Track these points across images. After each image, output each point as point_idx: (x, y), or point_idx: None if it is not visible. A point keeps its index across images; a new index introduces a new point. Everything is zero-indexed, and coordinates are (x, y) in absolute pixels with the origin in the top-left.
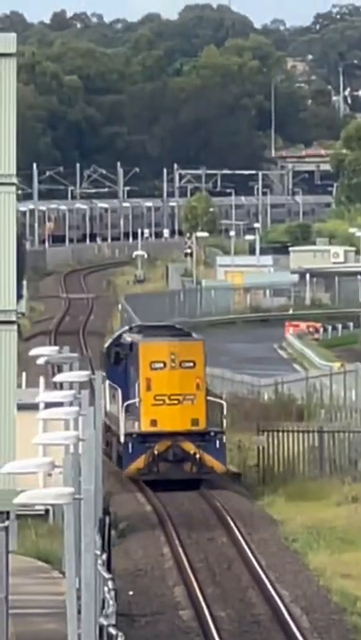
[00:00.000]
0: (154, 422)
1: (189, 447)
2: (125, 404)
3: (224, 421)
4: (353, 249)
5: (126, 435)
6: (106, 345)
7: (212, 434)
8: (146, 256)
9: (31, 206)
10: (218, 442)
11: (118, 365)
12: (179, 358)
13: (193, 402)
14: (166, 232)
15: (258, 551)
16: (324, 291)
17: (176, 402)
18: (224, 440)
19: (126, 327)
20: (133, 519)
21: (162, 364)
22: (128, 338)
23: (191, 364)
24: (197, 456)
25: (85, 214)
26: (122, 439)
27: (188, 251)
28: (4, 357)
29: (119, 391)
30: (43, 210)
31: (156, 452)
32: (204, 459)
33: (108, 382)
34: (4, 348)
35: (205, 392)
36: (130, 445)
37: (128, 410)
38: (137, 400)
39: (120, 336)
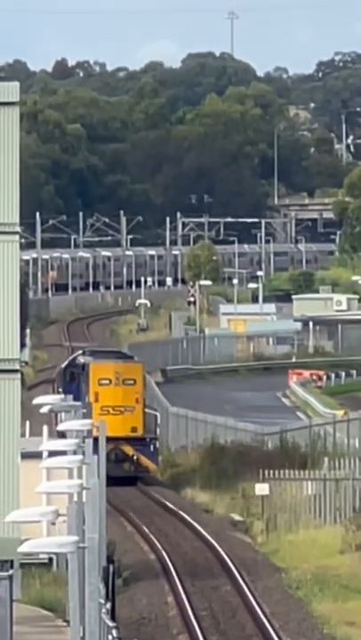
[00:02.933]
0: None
1: (129, 450)
2: (76, 412)
3: (157, 430)
4: (356, 297)
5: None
6: (63, 365)
7: (148, 439)
8: (149, 304)
9: (34, 255)
10: (152, 446)
11: (73, 382)
12: (122, 377)
13: (133, 412)
14: (169, 280)
15: (262, 599)
16: (328, 338)
17: (119, 412)
18: (157, 445)
19: (80, 352)
20: (137, 567)
21: (108, 381)
22: (81, 359)
23: (132, 382)
24: (135, 457)
25: (88, 263)
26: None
27: (192, 299)
28: (7, 406)
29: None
30: (46, 258)
31: None
32: (141, 460)
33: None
34: (7, 397)
35: (143, 405)
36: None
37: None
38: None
39: (75, 359)
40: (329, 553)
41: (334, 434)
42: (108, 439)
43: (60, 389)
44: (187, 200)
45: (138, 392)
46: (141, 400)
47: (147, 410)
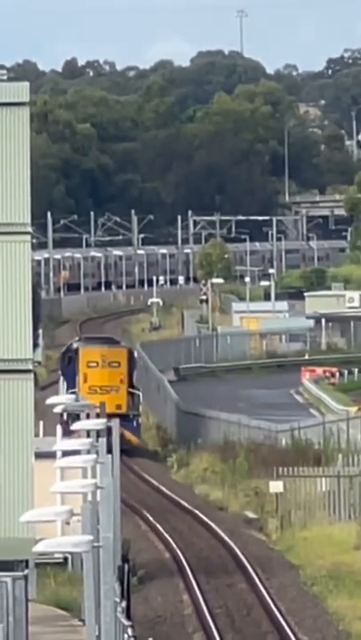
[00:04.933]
0: None
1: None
2: (70, 392)
3: (140, 407)
4: None
5: (68, 414)
6: (62, 351)
7: (131, 416)
8: (161, 303)
9: (46, 255)
10: (135, 422)
11: (69, 365)
12: (108, 360)
13: (117, 392)
14: (181, 279)
15: (277, 596)
16: (340, 335)
17: (105, 391)
18: (140, 421)
19: (76, 338)
20: (152, 566)
21: (95, 364)
22: (75, 345)
23: (117, 364)
24: (120, 432)
25: (100, 262)
26: (65, 418)
27: (204, 297)
28: (21, 406)
29: (65, 383)
30: (57, 258)
31: None
32: (125, 434)
33: (61, 378)
34: (21, 397)
35: (127, 385)
36: (70, 422)
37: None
38: (77, 389)
39: (71, 344)
40: (344, 549)
41: (348, 430)
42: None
43: (60, 371)
44: (198, 198)
45: (122, 373)
46: (126, 380)
47: (130, 389)
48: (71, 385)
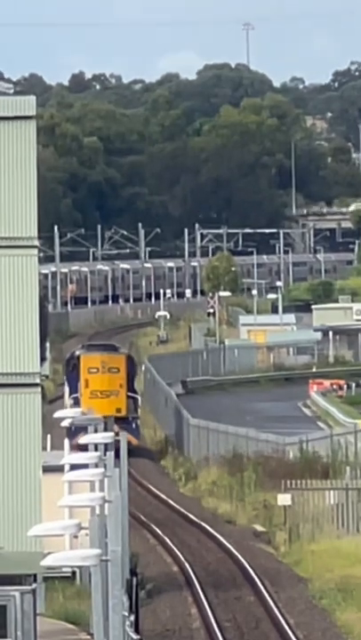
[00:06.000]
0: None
1: (114, 428)
2: (73, 397)
3: (138, 410)
4: None
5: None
6: (66, 358)
7: (130, 418)
8: (168, 316)
9: (53, 268)
10: (134, 424)
11: (73, 371)
12: (107, 366)
13: (117, 396)
14: (188, 292)
15: (286, 609)
16: (348, 348)
17: (105, 396)
18: (138, 423)
19: (80, 345)
20: (160, 579)
21: (96, 370)
22: (77, 352)
23: (116, 370)
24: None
25: (107, 276)
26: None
27: (211, 310)
28: (28, 419)
29: (68, 389)
30: (65, 272)
31: None
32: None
33: (66, 383)
34: (28, 411)
35: (126, 389)
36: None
37: (75, 400)
38: (79, 394)
39: (74, 352)
40: (352, 562)
41: (356, 443)
42: None
43: (65, 377)
44: (205, 211)
45: (121, 378)
46: (125, 385)
47: (129, 394)
48: (74, 390)
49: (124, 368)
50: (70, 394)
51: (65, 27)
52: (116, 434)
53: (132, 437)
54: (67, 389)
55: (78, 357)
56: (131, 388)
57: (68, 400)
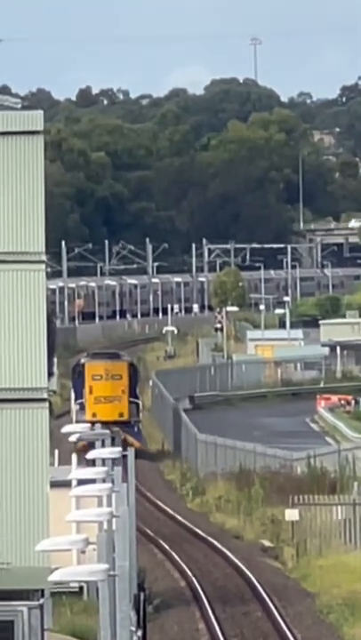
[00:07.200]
0: (94, 414)
1: (117, 431)
2: (78, 402)
3: (140, 414)
4: None
5: (77, 422)
6: (72, 365)
7: (133, 422)
8: (176, 331)
9: (61, 284)
10: (136, 428)
11: (79, 378)
12: (110, 373)
13: (120, 401)
14: (196, 307)
15: (293, 624)
16: (355, 363)
17: (108, 401)
18: (140, 427)
19: (85, 354)
20: (168, 594)
21: (100, 377)
22: (83, 360)
23: (119, 377)
24: (123, 437)
25: (115, 291)
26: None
27: (218, 325)
28: (36, 435)
29: (74, 394)
30: (72, 287)
31: None
32: (127, 439)
33: (72, 390)
34: (36, 426)
35: (128, 395)
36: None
37: (81, 406)
38: (84, 400)
39: (80, 360)
40: (359, 577)
41: None
42: (101, 422)
43: (71, 384)
44: (212, 226)
45: (124, 385)
46: (127, 391)
47: (131, 399)
48: (79, 396)
49: (127, 375)
50: (76, 399)
51: (72, 42)
52: (125, 440)
53: (134, 440)
54: (72, 395)
55: (83, 365)
56: (133, 393)
57: (73, 405)
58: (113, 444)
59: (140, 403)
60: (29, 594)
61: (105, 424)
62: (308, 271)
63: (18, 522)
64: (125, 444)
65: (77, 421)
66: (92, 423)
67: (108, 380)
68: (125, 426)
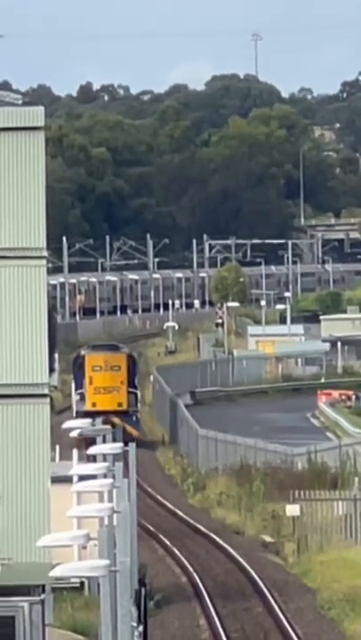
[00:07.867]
0: (94, 404)
1: (117, 421)
2: (78, 392)
3: (138, 404)
4: None
5: (77, 412)
6: (73, 357)
7: (131, 412)
8: (177, 327)
9: (61, 279)
10: (135, 417)
11: (79, 369)
12: (110, 364)
13: (119, 392)
14: (197, 303)
15: (294, 620)
16: (356, 358)
17: (108, 392)
18: (139, 416)
19: (85, 346)
20: (169, 590)
21: (99, 368)
22: (83, 352)
23: (118, 368)
24: (122, 426)
25: (116, 286)
26: (74, 414)
27: (219, 321)
28: (37, 430)
29: (74, 385)
30: (73, 283)
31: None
32: (126, 428)
33: (73, 380)
34: (37, 422)
35: (127, 385)
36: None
37: (81, 396)
38: (84, 390)
39: (80, 351)
40: (360, 573)
41: None
42: (101, 412)
43: (72, 375)
44: (213, 222)
45: (123, 376)
46: (125, 382)
47: (129, 389)
48: (79, 386)
49: (125, 366)
50: (76, 389)
51: (73, 38)
52: (124, 429)
53: (133, 429)
54: (73, 385)
55: (83, 357)
56: (131, 384)
57: (74, 395)
58: (114, 440)
59: (139, 393)
60: (30, 589)
61: (104, 413)
62: (308, 267)
63: (19, 517)
64: (124, 433)
65: (78, 411)
66: (92, 413)
67: (107, 371)
68: (124, 415)
